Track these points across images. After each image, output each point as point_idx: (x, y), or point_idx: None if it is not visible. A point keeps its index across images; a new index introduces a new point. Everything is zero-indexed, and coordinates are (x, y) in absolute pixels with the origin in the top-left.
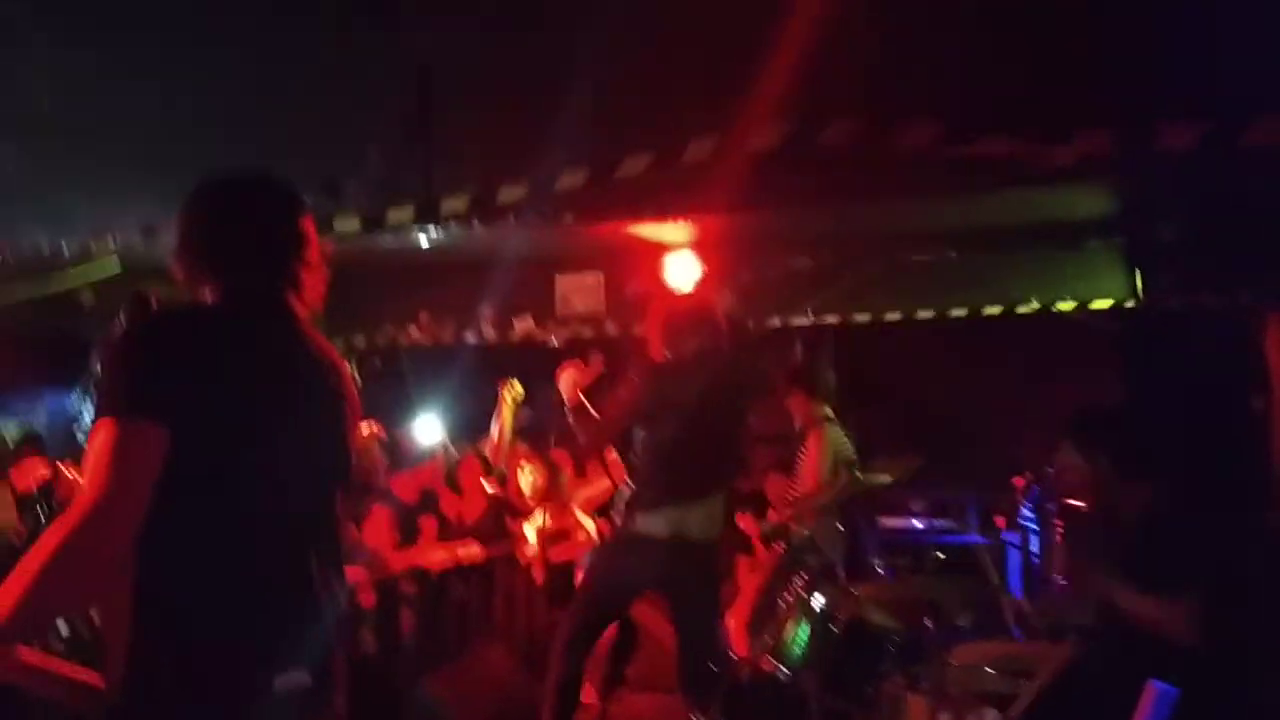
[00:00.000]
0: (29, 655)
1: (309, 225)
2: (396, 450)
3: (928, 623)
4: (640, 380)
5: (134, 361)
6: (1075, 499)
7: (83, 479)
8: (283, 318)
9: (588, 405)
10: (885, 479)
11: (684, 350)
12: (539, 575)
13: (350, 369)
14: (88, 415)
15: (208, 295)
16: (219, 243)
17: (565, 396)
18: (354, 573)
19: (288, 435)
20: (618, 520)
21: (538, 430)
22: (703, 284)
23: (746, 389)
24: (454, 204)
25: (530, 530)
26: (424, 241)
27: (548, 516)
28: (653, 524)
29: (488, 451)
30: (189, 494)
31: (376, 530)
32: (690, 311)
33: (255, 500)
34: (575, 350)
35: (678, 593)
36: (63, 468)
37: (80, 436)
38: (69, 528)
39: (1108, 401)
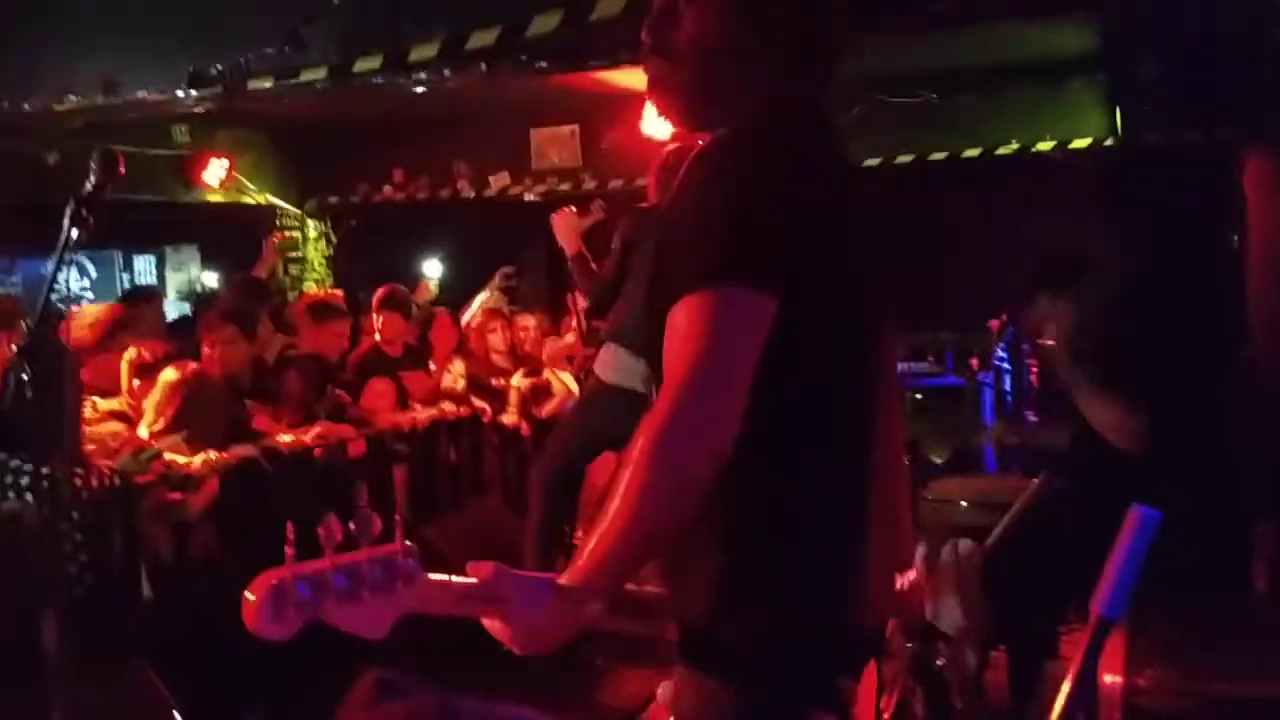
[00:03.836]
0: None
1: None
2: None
3: (904, 459)
4: (625, 224)
5: (736, 214)
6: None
7: (673, 358)
8: (833, 144)
9: (588, 256)
10: None
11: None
12: (525, 431)
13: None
14: (63, 280)
15: (721, 110)
16: (763, 40)
17: (564, 244)
18: (343, 430)
19: (861, 297)
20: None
21: (512, 288)
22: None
23: None
24: (423, 51)
25: (513, 390)
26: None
27: (523, 376)
28: (620, 374)
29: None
30: (797, 377)
31: (374, 399)
32: (682, 160)
33: (850, 375)
34: (553, 205)
35: None
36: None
37: (57, 301)
38: (659, 429)
39: (1079, 247)
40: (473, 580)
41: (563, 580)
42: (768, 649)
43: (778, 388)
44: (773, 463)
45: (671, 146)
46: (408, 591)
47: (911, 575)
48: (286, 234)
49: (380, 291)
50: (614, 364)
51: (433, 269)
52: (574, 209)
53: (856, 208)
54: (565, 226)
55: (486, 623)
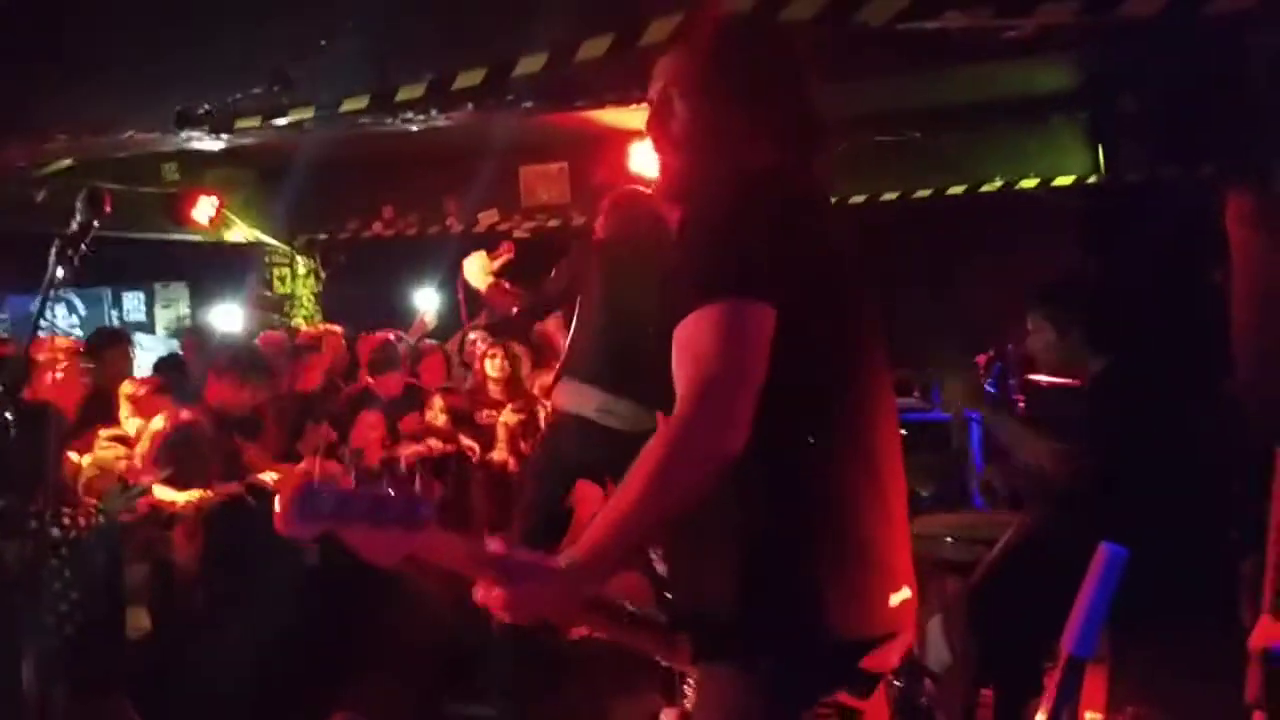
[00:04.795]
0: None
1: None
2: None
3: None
4: (575, 253)
5: (733, 237)
6: (1038, 370)
7: (683, 370)
8: (822, 201)
9: (502, 284)
10: None
11: (625, 236)
12: (514, 467)
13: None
14: (49, 318)
15: (716, 180)
16: (750, 122)
17: (476, 284)
18: (331, 468)
19: (855, 318)
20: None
21: (504, 322)
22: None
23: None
24: (410, 91)
25: (500, 425)
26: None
27: (512, 410)
28: (574, 402)
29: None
30: (798, 382)
31: (365, 431)
32: (638, 204)
33: (852, 387)
34: (541, 242)
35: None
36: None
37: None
38: (676, 431)
39: (1075, 273)
40: (477, 545)
41: (562, 560)
42: (786, 638)
43: (788, 392)
44: (789, 463)
45: (625, 187)
46: (421, 534)
47: (909, 594)
48: (268, 293)
49: (372, 352)
50: (568, 394)
51: (429, 300)
52: (484, 251)
53: (839, 238)
54: (476, 268)
55: (480, 590)
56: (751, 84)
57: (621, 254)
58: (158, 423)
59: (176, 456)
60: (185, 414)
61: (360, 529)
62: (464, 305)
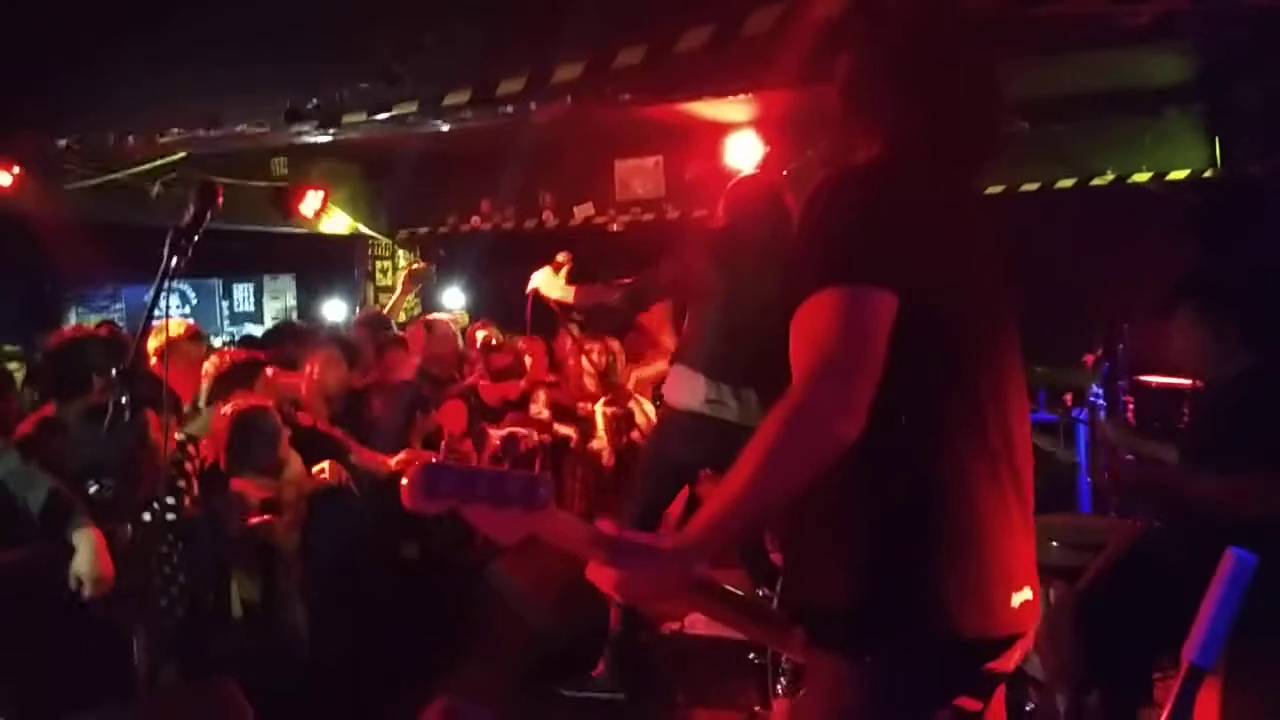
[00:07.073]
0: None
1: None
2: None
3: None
4: (698, 245)
5: (855, 224)
6: (1181, 367)
7: (800, 353)
8: (961, 193)
9: (579, 292)
10: None
11: (746, 227)
12: (608, 459)
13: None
14: (162, 306)
15: (863, 149)
16: (898, 101)
17: (555, 296)
18: (428, 456)
19: (986, 311)
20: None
21: (599, 316)
22: (765, 163)
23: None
24: (510, 85)
25: (599, 415)
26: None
27: (605, 404)
28: (684, 395)
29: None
30: (918, 370)
31: (452, 419)
32: (760, 191)
33: (979, 381)
34: (637, 235)
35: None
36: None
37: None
38: (791, 413)
39: (1214, 269)
40: (591, 526)
41: (672, 540)
42: (899, 635)
43: (911, 384)
44: (909, 458)
45: (744, 175)
46: (540, 515)
47: (1030, 594)
48: (419, 265)
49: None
50: (678, 385)
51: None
52: (547, 268)
53: (977, 231)
54: (549, 282)
55: (591, 570)
56: (910, 75)
57: (740, 242)
58: (225, 410)
59: (241, 442)
60: (249, 399)
61: (482, 508)
62: (530, 319)
